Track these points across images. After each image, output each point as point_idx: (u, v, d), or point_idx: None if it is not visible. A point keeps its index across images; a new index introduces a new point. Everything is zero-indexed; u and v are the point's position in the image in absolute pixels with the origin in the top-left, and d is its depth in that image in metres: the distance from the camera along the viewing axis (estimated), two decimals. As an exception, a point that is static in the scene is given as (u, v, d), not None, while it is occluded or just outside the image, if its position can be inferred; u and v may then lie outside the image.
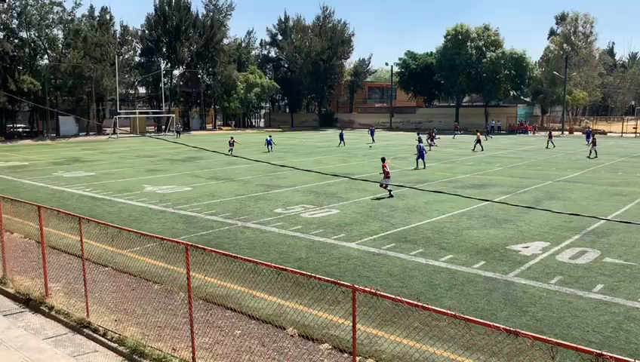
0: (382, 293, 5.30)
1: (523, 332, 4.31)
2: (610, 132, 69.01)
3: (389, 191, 20.72)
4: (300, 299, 9.29)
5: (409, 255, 12.57)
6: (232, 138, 40.80)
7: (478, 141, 42.94)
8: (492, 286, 10.48)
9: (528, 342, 4.16)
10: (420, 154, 30.45)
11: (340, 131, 56.41)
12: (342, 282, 5.94)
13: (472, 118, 75.98)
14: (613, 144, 51.14)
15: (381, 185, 20.70)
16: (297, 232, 14.97)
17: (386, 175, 20.74)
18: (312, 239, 14.20)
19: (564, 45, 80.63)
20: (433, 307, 5.13)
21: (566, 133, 69.14)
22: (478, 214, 17.24)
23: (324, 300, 9.04)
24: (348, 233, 14.80)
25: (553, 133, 51.18)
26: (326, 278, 6.16)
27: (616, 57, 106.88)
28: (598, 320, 8.67)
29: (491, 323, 4.67)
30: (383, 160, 21.86)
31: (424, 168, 29.98)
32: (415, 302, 5.15)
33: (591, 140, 38.68)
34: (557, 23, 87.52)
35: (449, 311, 4.87)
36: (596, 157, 35.97)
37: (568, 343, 4.27)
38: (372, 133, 53.24)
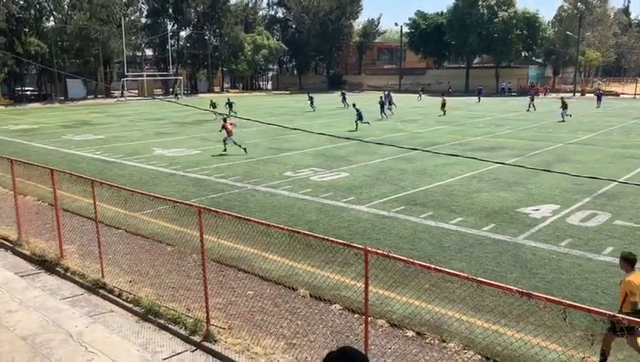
0: (394, 256, 5.34)
1: (536, 294, 4.35)
2: (623, 93, 67.94)
3: (225, 147, 22.56)
4: (311, 261, 9.40)
5: (419, 218, 12.61)
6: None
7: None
8: (501, 248, 10.53)
9: (541, 304, 4.20)
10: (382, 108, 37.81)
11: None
12: (354, 244, 5.99)
13: (482, 80, 74.83)
14: (626, 106, 50.42)
15: (224, 141, 22.61)
16: (307, 195, 15.02)
17: (229, 133, 22.36)
18: (321, 202, 14.26)
19: (579, 4, 78.65)
20: (445, 269, 5.17)
21: (578, 94, 68.10)
22: (488, 177, 17.20)
23: (335, 262, 9.14)
24: (357, 196, 14.84)
25: (565, 97, 50.33)
26: (338, 241, 6.20)
27: (632, 16, 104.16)
28: (608, 282, 8.72)
29: (504, 285, 4.71)
30: (224, 120, 22.89)
31: (380, 119, 36.32)
32: (427, 264, 5.19)
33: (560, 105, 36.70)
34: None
35: (462, 273, 4.91)
36: (563, 120, 34.93)
37: (580, 304, 4.31)
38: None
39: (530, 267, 9.51)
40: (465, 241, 10.94)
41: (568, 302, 4.24)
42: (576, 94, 68.15)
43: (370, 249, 5.68)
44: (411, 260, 5.23)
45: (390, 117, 38.27)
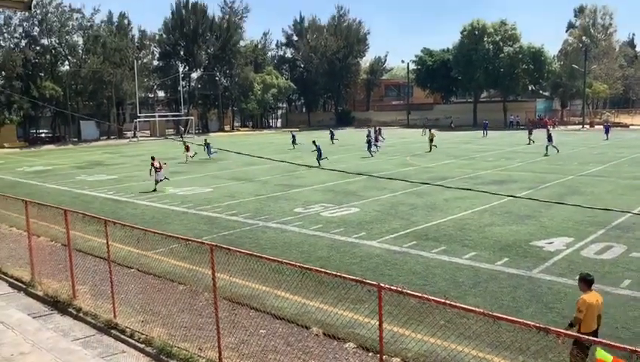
0: (408, 292, 5.30)
1: (553, 329, 4.28)
2: (632, 125, 67.80)
3: (156, 185, 23.72)
4: (323, 298, 9.32)
5: (431, 253, 12.52)
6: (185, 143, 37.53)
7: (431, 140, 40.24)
8: (516, 282, 10.39)
9: (560, 340, 4.13)
10: (369, 145, 37.25)
11: (292, 134, 52.08)
12: (367, 281, 5.95)
13: (490, 114, 75.19)
14: (635, 137, 50.25)
15: (156, 183, 23.77)
16: (318, 231, 15.00)
17: (157, 170, 23.65)
18: (333, 238, 14.22)
19: (583, 38, 79.40)
20: (460, 304, 5.11)
21: (587, 126, 68.07)
22: (500, 210, 17.10)
23: (348, 299, 9.05)
24: (369, 231, 14.79)
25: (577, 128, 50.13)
26: (351, 277, 6.17)
27: (637, 49, 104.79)
28: (627, 316, 8.55)
29: (521, 320, 4.64)
30: (153, 158, 24.21)
31: (371, 156, 35.83)
32: (442, 300, 5.14)
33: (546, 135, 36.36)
34: (575, 16, 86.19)
35: (477, 309, 4.85)
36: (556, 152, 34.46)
37: (600, 340, 4.23)
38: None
39: (546, 301, 9.36)
40: (479, 276, 10.82)
41: (587, 337, 4.16)
42: (585, 126, 68.13)
43: (383, 285, 5.64)
44: (426, 296, 5.19)
45: (376, 153, 38.35)
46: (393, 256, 12.35)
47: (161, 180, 24.02)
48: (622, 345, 4.01)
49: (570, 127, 70.96)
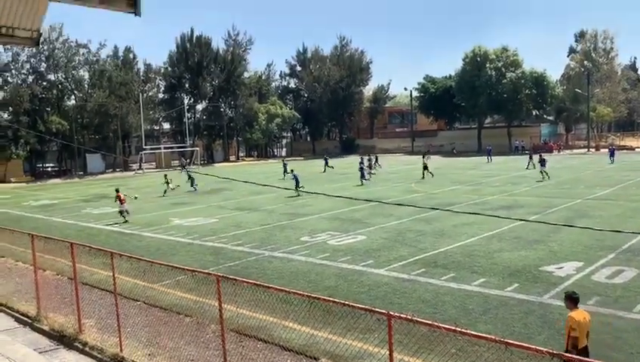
0: (418, 320, 5.21)
1: (567, 355, 4.18)
2: (637, 147, 67.68)
3: (124, 217, 24.39)
4: (332, 328, 9.19)
5: (440, 280, 12.38)
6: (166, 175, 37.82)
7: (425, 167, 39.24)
8: (527, 308, 10.23)
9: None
10: (362, 173, 37.28)
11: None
12: (376, 309, 5.86)
13: (495, 139, 75.28)
14: (641, 159, 50.08)
15: (120, 213, 24.48)
16: (325, 260, 14.90)
17: (122, 202, 24.36)
18: (340, 266, 14.11)
19: (585, 62, 79.90)
20: (471, 332, 5.02)
21: (592, 150, 68.01)
22: (509, 236, 16.96)
23: (357, 329, 8.91)
24: (376, 259, 14.67)
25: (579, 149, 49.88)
26: (360, 306, 6.09)
27: None
28: (642, 342, 8.36)
29: (533, 346, 4.54)
30: (117, 190, 25.04)
31: (361, 184, 35.81)
32: (452, 328, 5.04)
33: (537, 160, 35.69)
34: (576, 41, 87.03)
35: (489, 336, 4.76)
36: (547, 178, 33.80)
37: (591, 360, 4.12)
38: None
39: (558, 327, 9.18)
40: (489, 303, 10.67)
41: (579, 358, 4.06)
42: (590, 150, 68.07)
43: (393, 314, 5.55)
44: (436, 324, 5.10)
45: (369, 180, 38.61)
46: (402, 284, 12.21)
47: (125, 211, 24.64)
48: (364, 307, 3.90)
49: (575, 150, 70.91)
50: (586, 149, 68.70)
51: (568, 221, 18.91)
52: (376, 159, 51.63)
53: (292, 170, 33.60)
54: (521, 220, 17.62)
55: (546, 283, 11.72)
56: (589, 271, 12.53)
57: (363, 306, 6.08)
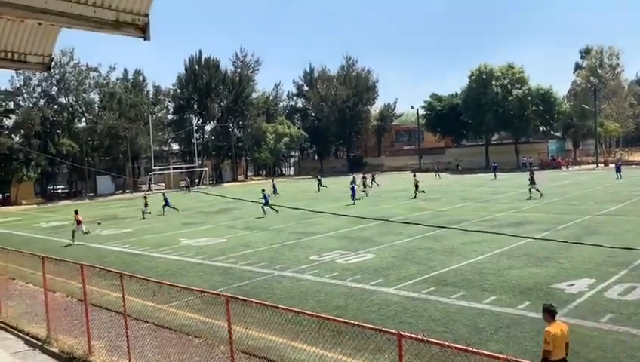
0: (429, 339, 5.18)
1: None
2: (647, 162, 67.27)
3: (73, 238, 25.51)
4: (342, 349, 9.11)
5: (450, 298, 12.28)
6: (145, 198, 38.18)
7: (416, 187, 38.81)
8: (540, 327, 10.06)
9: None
10: (353, 193, 37.02)
11: (273, 182, 52.13)
12: (386, 329, 5.83)
13: (502, 156, 75.17)
14: (652, 174, 49.70)
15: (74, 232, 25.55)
16: (334, 279, 14.84)
17: (78, 223, 25.51)
18: (349, 286, 14.04)
19: (591, 78, 79.97)
20: (483, 351, 4.98)
21: (601, 165, 67.66)
22: (518, 253, 16.83)
23: (367, 349, 8.84)
24: (386, 278, 14.60)
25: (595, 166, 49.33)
26: (370, 326, 6.06)
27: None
28: (657, 360, 8.24)
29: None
30: (76, 211, 26.45)
31: (353, 203, 35.49)
32: (464, 347, 5.01)
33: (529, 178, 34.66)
34: (582, 57, 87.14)
35: (501, 355, 4.72)
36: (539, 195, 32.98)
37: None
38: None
39: (571, 346, 9.06)
40: (500, 321, 10.56)
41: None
42: (599, 165, 67.72)
43: (403, 333, 5.52)
44: (447, 343, 5.06)
45: (367, 195, 39.18)
46: (412, 303, 12.13)
47: (83, 232, 25.92)
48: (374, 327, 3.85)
49: (584, 166, 70.56)
50: (595, 165, 68.36)
51: (578, 238, 18.76)
52: (373, 178, 51.85)
53: (263, 190, 33.98)
54: (531, 238, 17.52)
55: (558, 301, 11.57)
56: (601, 287, 12.40)
57: (373, 326, 6.05)
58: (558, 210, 26.96)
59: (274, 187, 47.33)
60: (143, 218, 35.21)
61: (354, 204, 35.94)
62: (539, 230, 21.06)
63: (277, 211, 31.08)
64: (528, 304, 11.51)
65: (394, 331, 5.66)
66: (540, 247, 17.22)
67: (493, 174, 56.34)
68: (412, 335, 5.45)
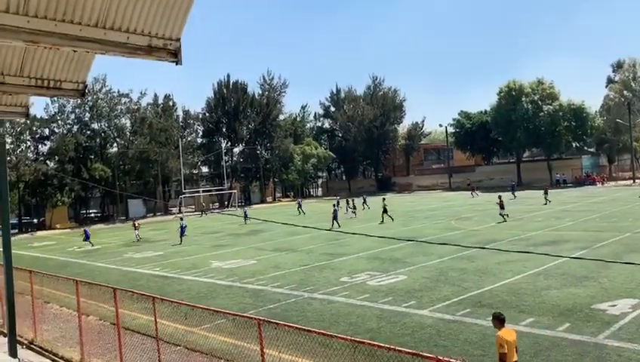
0: (469, 364, 4.98)
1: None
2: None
3: None
4: (375, 373, 8.89)
5: (486, 320, 11.90)
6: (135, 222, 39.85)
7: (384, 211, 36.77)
8: (582, 350, 9.72)
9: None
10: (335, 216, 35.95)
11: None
12: (423, 353, 5.65)
13: (535, 173, 73.81)
14: (692, 189, 48.05)
15: None
16: (366, 301, 14.61)
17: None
18: (381, 308, 13.79)
19: (625, 92, 78.30)
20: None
21: (638, 181, 65.79)
22: (555, 272, 16.33)
23: (402, 373, 8.60)
24: (418, 300, 14.31)
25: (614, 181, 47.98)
26: (406, 350, 5.88)
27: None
28: None
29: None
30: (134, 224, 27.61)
31: (339, 227, 33.60)
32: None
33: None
34: (614, 71, 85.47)
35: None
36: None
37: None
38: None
39: (617, 371, 8.67)
40: (540, 344, 10.19)
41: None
42: (636, 181, 65.87)
43: (441, 358, 5.33)
44: (488, 369, 4.85)
45: (352, 218, 39.81)
46: (447, 326, 11.82)
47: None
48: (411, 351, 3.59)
49: (620, 182, 68.72)
50: (632, 180, 66.50)
51: (618, 256, 18.13)
52: (364, 200, 51.55)
53: (182, 218, 35.35)
54: (568, 257, 17.01)
55: (600, 322, 11.15)
56: (645, 308, 11.89)
57: (409, 350, 5.87)
58: (596, 228, 26.19)
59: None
60: (137, 241, 36.92)
61: (331, 228, 32.04)
62: (576, 248, 20.46)
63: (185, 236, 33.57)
64: (568, 325, 11.09)
65: (431, 355, 5.48)
66: (579, 266, 16.70)
67: (512, 193, 53.24)
68: (450, 360, 5.26)
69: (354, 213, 43.30)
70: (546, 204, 41.74)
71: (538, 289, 14.35)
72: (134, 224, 39.12)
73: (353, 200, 46.80)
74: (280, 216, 43.74)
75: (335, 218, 36.00)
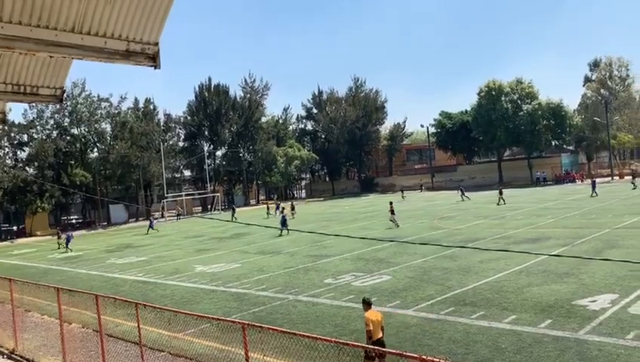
0: (451, 363, 5.02)
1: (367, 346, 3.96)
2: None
3: None
4: (361, 374, 8.93)
5: (470, 319, 12.04)
6: (69, 234, 39.86)
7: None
8: (563, 345, 9.86)
9: None
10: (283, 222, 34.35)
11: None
12: (407, 353, 5.68)
13: (515, 171, 74.67)
14: (669, 185, 48.96)
15: None
16: (350, 302, 14.64)
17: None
18: (366, 308, 13.81)
19: (601, 90, 79.58)
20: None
21: (616, 178, 66.91)
22: (537, 269, 16.54)
23: (387, 373, 8.65)
24: (403, 299, 14.38)
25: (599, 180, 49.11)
26: (390, 350, 5.91)
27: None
28: (689, 377, 7.95)
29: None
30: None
31: (287, 234, 32.60)
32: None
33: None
34: (591, 70, 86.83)
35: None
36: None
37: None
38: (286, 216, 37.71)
39: (598, 365, 8.81)
40: (522, 341, 10.31)
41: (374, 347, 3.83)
42: (614, 178, 66.97)
43: (426, 357, 5.36)
44: (470, 367, 4.90)
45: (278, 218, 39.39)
46: (431, 325, 11.90)
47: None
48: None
49: (598, 179, 69.74)
50: (610, 177, 67.62)
51: (598, 252, 18.43)
52: (293, 207, 51.93)
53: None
54: (549, 254, 17.23)
55: (581, 318, 11.32)
56: (624, 303, 12.10)
57: (393, 350, 5.91)
58: (576, 225, 26.58)
59: (277, 206, 48.34)
60: (59, 248, 37.73)
61: (280, 234, 33.07)
62: (557, 245, 20.74)
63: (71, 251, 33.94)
64: (550, 322, 11.24)
65: (415, 355, 5.51)
66: (559, 263, 16.92)
67: (461, 196, 52.16)
68: (434, 359, 5.29)
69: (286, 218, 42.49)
70: (499, 204, 41.96)
71: (520, 287, 14.52)
72: (59, 234, 39.74)
73: (278, 205, 47.44)
74: (265, 220, 43.59)
75: (283, 223, 34.26)
